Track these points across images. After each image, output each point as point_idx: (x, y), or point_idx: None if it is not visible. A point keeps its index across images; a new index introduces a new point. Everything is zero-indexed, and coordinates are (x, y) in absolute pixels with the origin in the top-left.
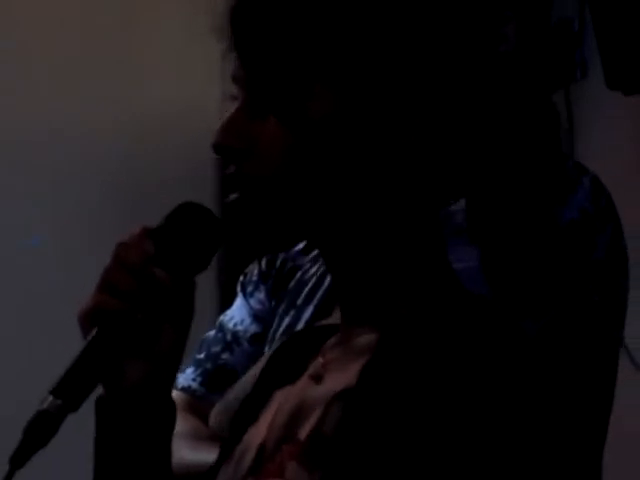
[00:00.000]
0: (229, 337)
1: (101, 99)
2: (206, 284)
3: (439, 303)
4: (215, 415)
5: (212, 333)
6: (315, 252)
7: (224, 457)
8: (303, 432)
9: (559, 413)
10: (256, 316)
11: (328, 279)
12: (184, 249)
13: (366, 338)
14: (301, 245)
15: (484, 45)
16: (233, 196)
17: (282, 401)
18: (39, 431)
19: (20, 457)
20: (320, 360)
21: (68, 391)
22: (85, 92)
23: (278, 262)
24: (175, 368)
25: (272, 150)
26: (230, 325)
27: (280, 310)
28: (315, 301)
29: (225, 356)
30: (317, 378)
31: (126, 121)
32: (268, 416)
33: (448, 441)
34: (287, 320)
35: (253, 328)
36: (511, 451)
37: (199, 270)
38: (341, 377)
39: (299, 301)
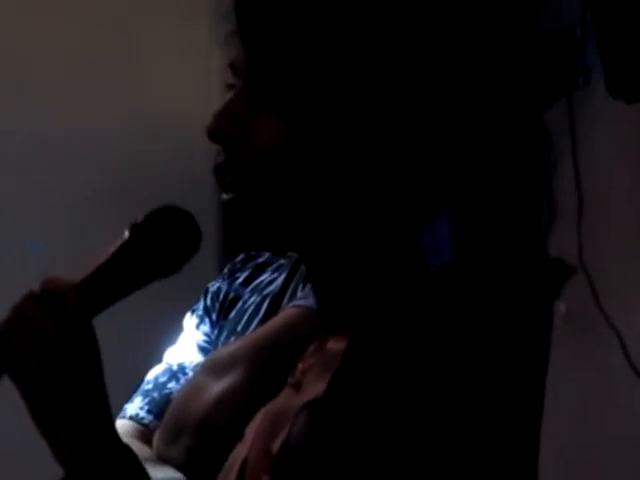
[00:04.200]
0: (175, 367)
1: (99, 101)
2: (205, 285)
3: (413, 311)
4: (157, 440)
5: (158, 366)
6: (254, 283)
7: (212, 477)
8: (275, 444)
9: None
10: (201, 347)
11: (264, 307)
12: (157, 248)
13: (339, 345)
14: (242, 278)
15: (475, 61)
16: (227, 196)
17: (265, 414)
18: None
19: None
20: (299, 367)
21: None
22: (82, 94)
23: (221, 295)
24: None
25: (267, 139)
26: (176, 357)
27: (222, 338)
28: (252, 328)
29: (171, 385)
30: (296, 386)
31: (125, 123)
32: (253, 431)
33: (412, 446)
34: None
35: (198, 358)
36: (483, 456)
37: (166, 274)
38: (314, 386)
39: (239, 328)
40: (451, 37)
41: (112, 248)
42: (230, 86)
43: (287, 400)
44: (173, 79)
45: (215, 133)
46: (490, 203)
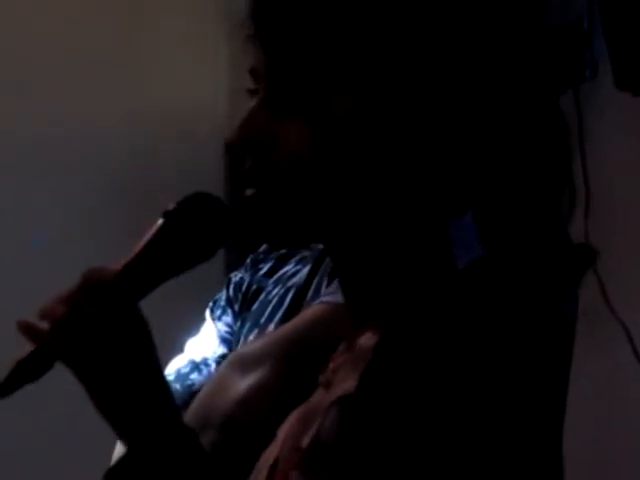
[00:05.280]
0: (197, 359)
1: (106, 98)
2: (213, 278)
3: (442, 307)
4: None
5: (180, 356)
6: (278, 274)
7: (237, 472)
8: (305, 440)
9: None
10: (223, 338)
11: (288, 298)
12: (191, 234)
13: (370, 341)
14: (265, 269)
15: (496, 51)
16: (250, 191)
17: (297, 415)
18: (31, 366)
19: (7, 387)
20: (331, 366)
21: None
22: (89, 92)
23: (244, 286)
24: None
25: (294, 145)
26: (198, 347)
27: (245, 329)
28: (276, 320)
29: (194, 376)
30: (327, 384)
31: (131, 120)
32: (284, 432)
33: (444, 442)
34: (251, 338)
35: (220, 349)
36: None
37: (203, 259)
38: (344, 382)
39: (262, 319)
40: (468, 32)
41: (147, 235)
42: (251, 91)
43: (318, 399)
44: (176, 78)
45: (240, 141)
46: (513, 195)
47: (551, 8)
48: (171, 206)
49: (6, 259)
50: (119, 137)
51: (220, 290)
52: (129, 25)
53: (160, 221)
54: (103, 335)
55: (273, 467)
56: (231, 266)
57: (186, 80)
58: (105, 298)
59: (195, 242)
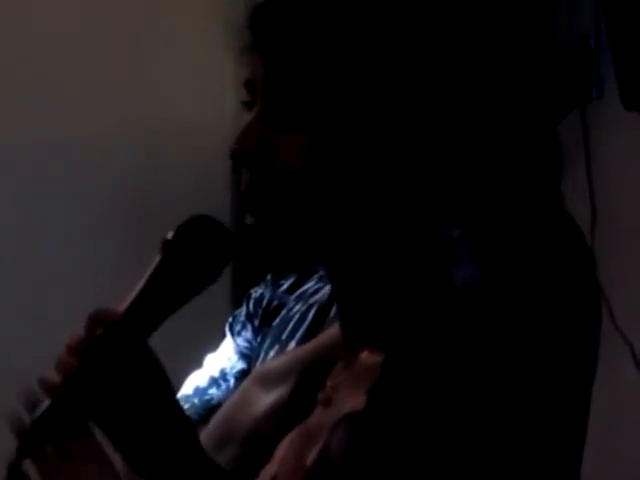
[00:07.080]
0: (216, 374)
1: (115, 107)
2: (220, 297)
3: (443, 324)
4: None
5: (199, 371)
6: (299, 291)
7: None
8: (309, 457)
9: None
10: (242, 353)
11: (311, 315)
12: (193, 261)
13: (371, 359)
14: (286, 285)
15: (499, 69)
16: (250, 219)
17: (296, 433)
18: (49, 422)
19: (27, 447)
20: (329, 384)
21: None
22: (99, 101)
23: (264, 302)
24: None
25: (292, 159)
26: (217, 363)
27: (265, 345)
28: (298, 336)
29: (212, 391)
30: (327, 402)
31: (140, 130)
32: (282, 450)
33: (456, 462)
34: (272, 354)
35: (239, 365)
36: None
37: (207, 284)
38: (347, 400)
39: (284, 336)
40: (472, 48)
41: (149, 270)
42: (246, 103)
43: (318, 416)
44: (183, 88)
45: (239, 153)
46: (505, 218)
47: (557, 28)
48: (169, 235)
49: (5, 267)
50: (121, 151)
51: (228, 313)
52: (131, 33)
53: (159, 253)
54: (116, 381)
55: None
56: (237, 283)
57: (191, 91)
58: (114, 341)
59: (197, 269)
